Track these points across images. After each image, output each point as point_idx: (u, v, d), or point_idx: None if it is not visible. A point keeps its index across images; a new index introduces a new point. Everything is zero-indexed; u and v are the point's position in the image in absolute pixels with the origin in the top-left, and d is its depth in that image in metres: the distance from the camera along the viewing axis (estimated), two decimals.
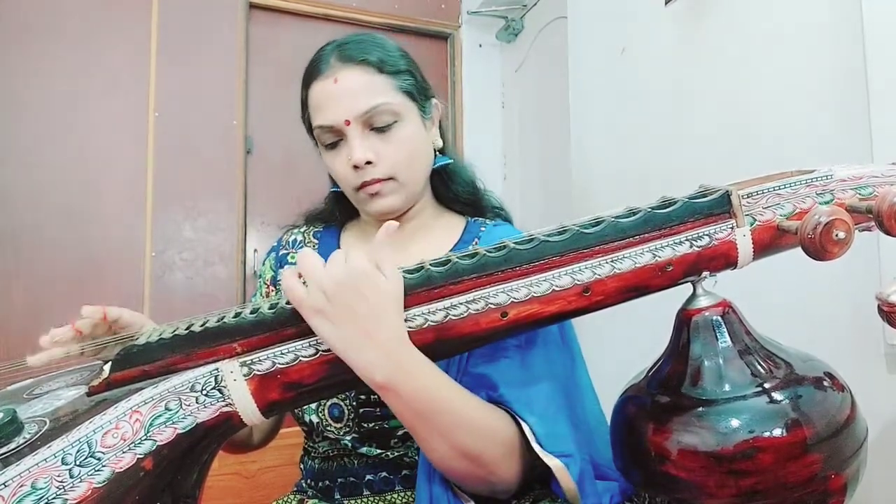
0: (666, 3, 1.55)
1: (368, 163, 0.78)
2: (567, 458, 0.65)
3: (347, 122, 0.78)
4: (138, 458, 0.53)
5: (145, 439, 0.54)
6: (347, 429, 0.79)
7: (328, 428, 0.79)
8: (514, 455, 0.65)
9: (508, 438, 0.65)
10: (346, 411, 0.79)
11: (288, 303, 0.59)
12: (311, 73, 0.83)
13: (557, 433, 0.66)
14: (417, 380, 0.59)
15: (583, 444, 0.68)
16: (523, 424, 0.65)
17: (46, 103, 1.99)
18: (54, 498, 0.49)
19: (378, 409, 0.77)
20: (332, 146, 0.81)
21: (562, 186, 2.05)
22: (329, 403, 0.79)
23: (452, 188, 0.91)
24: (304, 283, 0.58)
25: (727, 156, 1.35)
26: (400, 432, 0.78)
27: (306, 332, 0.58)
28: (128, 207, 2.05)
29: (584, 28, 1.92)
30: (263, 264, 0.96)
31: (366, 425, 0.78)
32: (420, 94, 0.84)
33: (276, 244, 0.97)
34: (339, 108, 0.78)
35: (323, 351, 0.58)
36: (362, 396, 0.78)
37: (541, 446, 0.64)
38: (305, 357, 0.58)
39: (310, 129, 0.85)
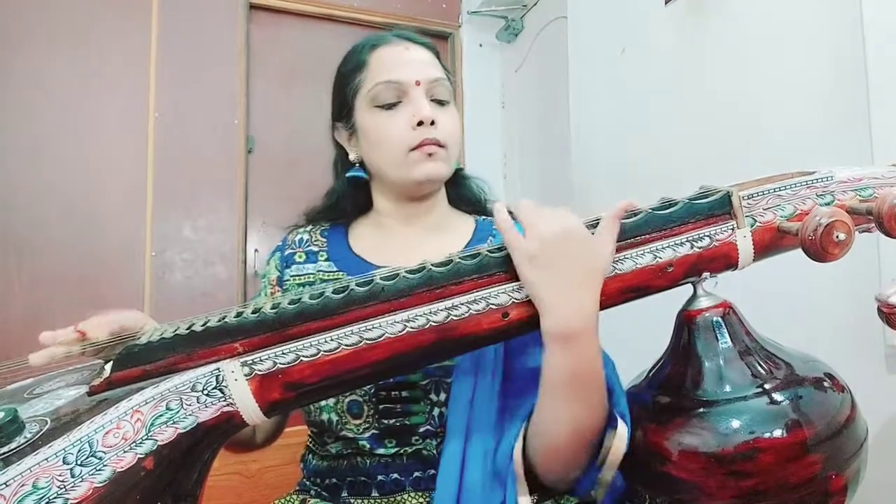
0: (666, 3, 1.56)
1: (433, 123, 0.82)
2: (624, 419, 0.65)
3: (418, 83, 0.83)
4: (139, 458, 0.53)
5: (146, 439, 0.54)
6: (367, 425, 0.78)
7: (346, 426, 0.79)
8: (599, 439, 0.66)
9: (605, 423, 0.65)
10: (366, 408, 0.78)
11: (290, 302, 0.59)
12: (376, 41, 0.88)
13: (617, 391, 0.67)
14: (594, 345, 0.61)
15: None
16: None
17: (46, 103, 1.99)
18: (55, 497, 0.49)
19: (398, 406, 0.77)
20: (390, 106, 0.84)
21: (562, 186, 2.05)
22: (348, 400, 0.79)
23: (462, 190, 0.95)
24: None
25: (727, 155, 1.35)
26: (421, 429, 0.77)
27: (308, 332, 0.58)
28: (128, 207, 2.05)
29: (584, 28, 1.93)
30: (268, 264, 0.95)
31: (386, 422, 0.78)
32: (455, 98, 0.91)
33: (280, 244, 0.96)
34: (411, 69, 0.84)
35: (325, 351, 0.58)
36: (382, 393, 0.77)
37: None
38: (307, 357, 0.58)
39: (349, 95, 0.87)
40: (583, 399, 0.62)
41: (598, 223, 0.60)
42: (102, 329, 0.70)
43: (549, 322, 0.58)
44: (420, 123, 0.81)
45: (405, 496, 0.77)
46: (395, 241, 0.89)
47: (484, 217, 0.94)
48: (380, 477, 0.78)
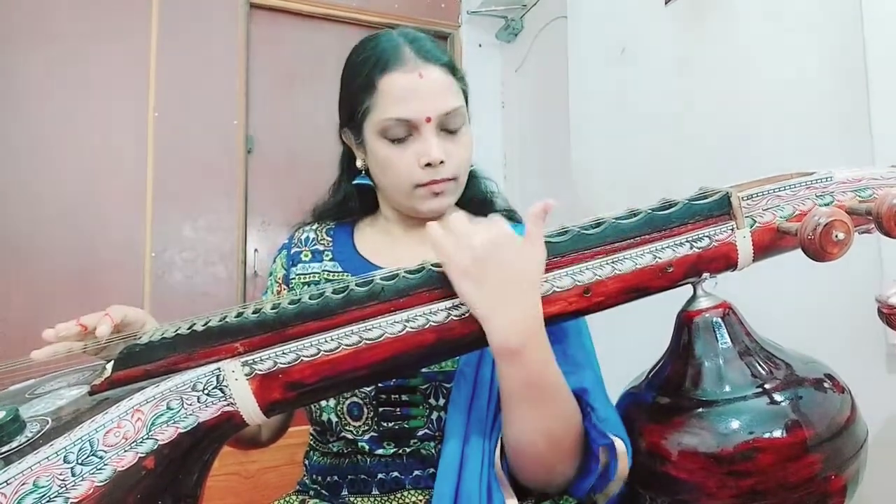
0: (666, 3, 1.56)
1: (441, 162, 0.80)
2: (625, 441, 0.65)
3: (428, 120, 0.79)
4: (140, 457, 0.53)
5: (147, 438, 0.54)
6: (366, 427, 0.78)
7: (346, 427, 0.79)
8: (580, 444, 0.66)
9: (580, 427, 0.66)
10: (366, 410, 0.78)
11: (290, 302, 0.60)
12: (387, 61, 0.80)
13: (610, 416, 0.66)
14: (540, 350, 0.60)
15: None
16: (588, 408, 0.66)
17: (46, 103, 1.99)
18: (56, 496, 0.49)
19: (398, 409, 0.78)
20: (400, 141, 0.80)
21: (562, 186, 2.05)
22: (348, 402, 0.79)
23: (469, 192, 0.92)
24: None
25: (727, 155, 1.35)
26: (420, 433, 0.78)
27: (308, 332, 0.58)
28: (128, 207, 2.05)
29: (584, 28, 1.93)
30: (274, 262, 0.95)
31: (385, 424, 0.78)
32: (467, 100, 0.88)
33: (287, 242, 0.96)
34: (423, 104, 0.79)
35: (325, 351, 0.58)
36: (382, 396, 0.78)
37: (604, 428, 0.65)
38: (307, 357, 0.58)
39: (360, 114, 0.82)
40: (543, 407, 0.62)
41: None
42: (105, 323, 0.70)
43: (491, 337, 0.59)
44: (428, 164, 0.79)
45: (405, 494, 0.77)
46: (401, 246, 0.89)
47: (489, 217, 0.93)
48: (380, 475, 0.78)
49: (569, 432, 0.64)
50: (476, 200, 0.94)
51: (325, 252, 0.90)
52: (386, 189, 0.86)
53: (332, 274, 0.87)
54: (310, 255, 0.91)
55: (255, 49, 2.31)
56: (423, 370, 0.77)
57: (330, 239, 0.92)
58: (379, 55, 0.81)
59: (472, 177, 0.93)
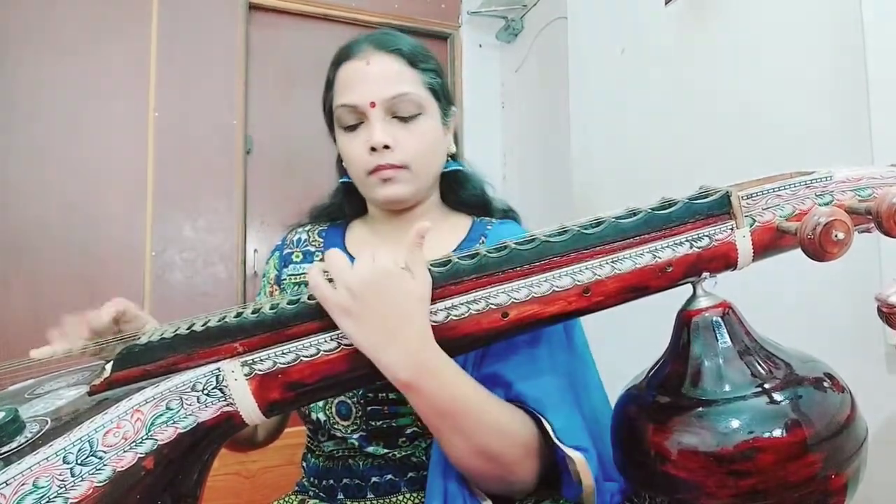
0: (666, 3, 1.56)
1: (386, 147, 0.79)
2: (585, 452, 0.65)
3: (373, 105, 0.79)
4: (139, 458, 0.53)
5: (146, 438, 0.54)
6: (355, 427, 0.79)
7: (335, 426, 0.79)
8: (533, 455, 0.66)
9: (528, 438, 0.66)
10: (354, 409, 0.79)
11: (289, 303, 0.60)
12: (343, 54, 0.83)
13: (573, 427, 0.66)
14: (440, 379, 0.59)
15: (596, 439, 0.68)
16: (543, 420, 0.66)
17: (46, 103, 1.99)
18: (55, 496, 0.49)
19: (386, 408, 0.78)
20: (352, 128, 0.82)
21: (562, 186, 2.05)
22: (336, 401, 0.79)
23: (461, 194, 0.92)
24: (330, 280, 0.58)
25: (727, 155, 1.35)
26: (408, 431, 0.77)
27: (308, 332, 0.58)
28: (128, 207, 2.05)
29: (584, 28, 1.93)
30: (267, 263, 0.96)
31: (373, 423, 0.78)
32: (444, 96, 0.86)
33: (279, 243, 0.96)
34: (366, 89, 0.79)
35: (324, 351, 0.58)
36: (370, 395, 0.78)
37: (560, 441, 0.65)
38: (306, 357, 0.58)
39: (329, 111, 0.85)
40: (465, 429, 0.62)
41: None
42: (104, 313, 0.70)
43: (383, 372, 0.58)
44: (373, 149, 0.79)
45: (400, 498, 0.78)
46: (388, 243, 0.89)
47: (482, 217, 0.92)
48: (374, 478, 0.79)
49: (508, 446, 0.64)
50: (470, 201, 0.93)
51: (316, 253, 0.91)
52: (353, 181, 0.86)
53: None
54: (301, 256, 0.91)
55: (255, 49, 2.31)
56: None
57: (322, 240, 0.93)
58: (339, 52, 0.85)
59: (464, 177, 0.92)
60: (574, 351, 0.77)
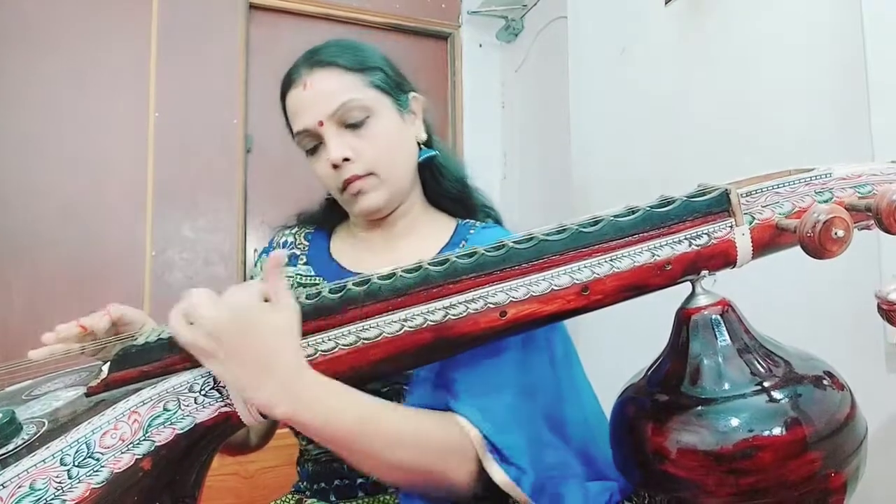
0: (666, 3, 1.55)
1: (346, 160, 0.79)
2: (519, 472, 0.64)
3: (321, 123, 0.79)
4: (137, 459, 0.53)
5: (144, 440, 0.54)
6: None
7: None
8: (470, 462, 0.64)
9: (459, 447, 0.64)
10: None
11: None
12: (285, 83, 0.85)
13: (513, 444, 0.65)
14: (321, 408, 0.57)
15: (588, 442, 0.68)
16: (476, 434, 0.64)
17: (46, 103, 1.99)
18: (53, 499, 0.49)
19: None
20: (313, 151, 0.83)
21: (562, 186, 2.05)
22: None
23: (442, 183, 0.90)
24: (191, 324, 0.56)
25: (727, 155, 1.35)
26: None
27: (305, 332, 0.58)
28: (128, 207, 2.05)
29: (584, 28, 1.92)
30: (256, 265, 0.96)
31: None
32: (394, 88, 0.84)
33: (267, 245, 0.97)
34: (310, 111, 0.80)
35: (322, 351, 0.58)
36: None
37: (500, 455, 0.64)
38: (304, 357, 0.58)
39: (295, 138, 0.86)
40: (368, 449, 0.60)
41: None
42: (104, 320, 0.70)
43: (261, 410, 0.56)
44: (335, 166, 0.79)
45: (389, 496, 0.78)
46: (368, 249, 0.89)
47: (466, 220, 0.90)
48: (360, 479, 0.79)
49: (431, 458, 0.63)
50: (451, 193, 0.91)
51: (301, 256, 0.91)
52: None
53: (304, 277, 0.88)
54: (286, 260, 0.91)
55: (255, 49, 2.31)
56: None
57: (307, 243, 0.93)
58: (283, 81, 0.86)
59: (442, 167, 0.90)
60: (554, 360, 0.75)
